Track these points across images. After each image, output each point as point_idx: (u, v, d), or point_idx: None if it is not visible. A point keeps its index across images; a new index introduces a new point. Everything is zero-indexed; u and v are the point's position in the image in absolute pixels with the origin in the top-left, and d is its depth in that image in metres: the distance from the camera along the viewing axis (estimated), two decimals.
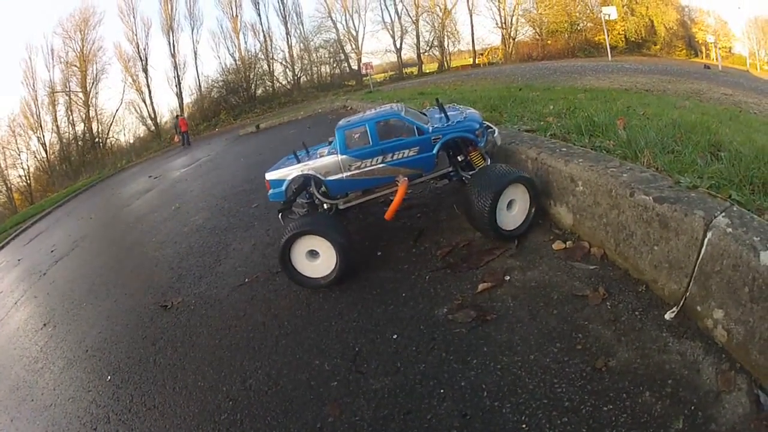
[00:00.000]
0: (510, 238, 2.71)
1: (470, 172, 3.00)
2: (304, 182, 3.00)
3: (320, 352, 2.27)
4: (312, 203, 3.09)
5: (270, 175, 3.05)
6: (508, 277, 2.41)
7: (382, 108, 3.09)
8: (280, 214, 3.10)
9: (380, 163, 2.85)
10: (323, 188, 2.99)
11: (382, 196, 3.10)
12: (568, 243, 2.56)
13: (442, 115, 3.05)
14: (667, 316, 1.85)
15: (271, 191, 3.07)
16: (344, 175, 2.90)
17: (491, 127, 3.14)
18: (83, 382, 2.91)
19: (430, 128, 2.88)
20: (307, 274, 2.78)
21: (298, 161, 3.00)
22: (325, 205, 3.06)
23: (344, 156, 2.86)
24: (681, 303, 1.83)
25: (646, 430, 1.44)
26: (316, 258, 2.75)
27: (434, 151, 2.86)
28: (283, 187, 2.99)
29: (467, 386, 1.79)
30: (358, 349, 2.20)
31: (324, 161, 2.91)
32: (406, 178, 2.88)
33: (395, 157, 2.85)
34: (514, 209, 2.73)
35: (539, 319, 2.03)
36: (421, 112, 3.28)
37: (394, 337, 2.20)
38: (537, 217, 2.79)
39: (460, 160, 3.02)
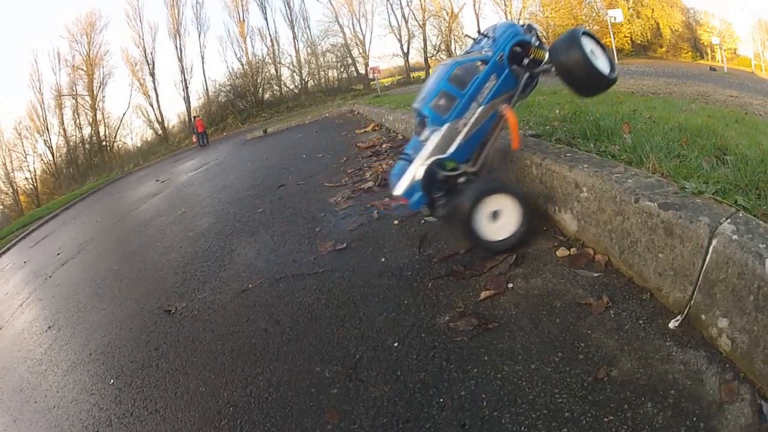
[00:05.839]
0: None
1: (542, 65, 2.93)
2: (432, 172, 2.85)
3: (321, 359, 2.27)
4: (448, 191, 2.92)
5: (399, 189, 2.92)
6: (510, 285, 2.38)
7: (440, 67, 3.04)
8: (429, 216, 2.98)
9: (478, 108, 2.80)
10: (451, 164, 2.86)
11: (496, 136, 2.98)
12: (572, 250, 2.53)
13: (484, 39, 3.03)
14: (671, 324, 1.82)
15: (410, 201, 2.93)
16: (458, 139, 2.82)
17: (524, 24, 3.15)
18: (86, 385, 2.93)
19: (490, 53, 2.84)
20: (489, 239, 2.70)
21: (412, 160, 2.91)
22: (461, 179, 2.88)
23: (446, 124, 2.79)
24: (685, 311, 1.80)
25: None
26: (497, 219, 2.68)
27: (508, 68, 2.83)
28: (421, 190, 2.85)
29: (467, 395, 1.78)
30: (359, 357, 2.19)
31: (433, 142, 2.82)
32: (506, 104, 2.84)
33: (485, 94, 2.80)
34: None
35: (541, 328, 2.01)
36: (466, 53, 3.25)
37: (395, 344, 2.19)
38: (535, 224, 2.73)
39: (526, 63, 2.94)
